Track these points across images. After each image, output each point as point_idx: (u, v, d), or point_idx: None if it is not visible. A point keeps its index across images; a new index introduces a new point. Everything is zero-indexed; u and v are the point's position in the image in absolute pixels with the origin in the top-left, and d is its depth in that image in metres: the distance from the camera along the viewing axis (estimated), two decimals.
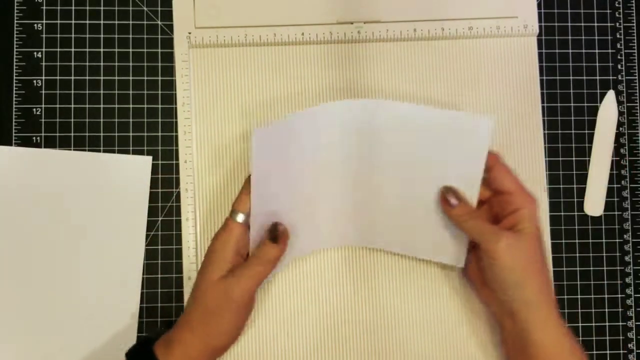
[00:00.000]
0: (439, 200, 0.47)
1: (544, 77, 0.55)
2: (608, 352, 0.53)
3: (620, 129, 0.55)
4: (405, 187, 0.48)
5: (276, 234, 0.46)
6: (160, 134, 0.53)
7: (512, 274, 0.45)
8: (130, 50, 0.53)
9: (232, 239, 0.45)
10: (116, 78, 0.53)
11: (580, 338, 0.53)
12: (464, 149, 0.45)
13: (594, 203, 0.54)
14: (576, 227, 0.54)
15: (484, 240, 0.45)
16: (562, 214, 0.54)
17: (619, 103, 0.55)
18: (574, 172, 0.55)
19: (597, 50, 0.56)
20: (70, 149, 0.52)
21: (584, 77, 0.55)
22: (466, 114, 0.48)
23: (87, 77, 0.53)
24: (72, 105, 0.52)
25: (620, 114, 0.55)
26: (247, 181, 0.45)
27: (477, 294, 0.51)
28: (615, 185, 0.55)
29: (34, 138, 0.52)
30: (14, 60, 0.52)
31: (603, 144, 0.55)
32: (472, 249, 0.49)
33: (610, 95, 0.55)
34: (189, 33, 0.53)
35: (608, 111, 0.55)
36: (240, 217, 0.45)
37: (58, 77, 0.52)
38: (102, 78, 0.53)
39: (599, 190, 0.54)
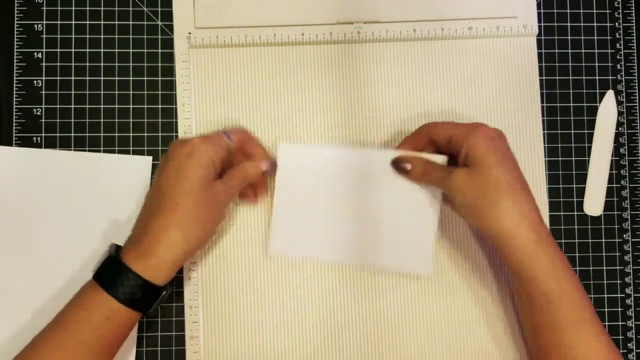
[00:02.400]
0: (398, 172, 0.48)
1: (544, 77, 0.55)
2: None
3: (620, 128, 0.55)
4: (388, 213, 0.50)
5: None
6: (160, 134, 0.53)
7: (474, 208, 0.44)
8: (131, 50, 0.53)
9: (220, 147, 0.46)
10: (116, 78, 0.53)
11: None
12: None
13: (594, 203, 0.54)
14: (576, 226, 0.54)
15: (443, 185, 0.46)
16: (562, 213, 0.54)
17: (618, 103, 0.55)
18: (574, 172, 0.55)
19: (596, 50, 0.56)
20: (71, 149, 0.52)
21: (584, 77, 0.55)
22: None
23: (88, 78, 0.53)
24: (73, 106, 0.52)
25: (620, 113, 0.55)
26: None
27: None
28: (614, 185, 0.55)
29: (35, 138, 0.52)
30: (15, 60, 0.52)
31: (603, 143, 0.55)
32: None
33: (610, 95, 0.55)
34: (189, 33, 0.53)
35: (608, 111, 0.55)
36: (229, 142, 0.47)
37: (58, 78, 0.53)
38: (102, 78, 0.53)
39: (599, 190, 0.54)
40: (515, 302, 0.50)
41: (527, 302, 0.44)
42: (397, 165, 0.48)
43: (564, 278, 0.43)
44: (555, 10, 0.56)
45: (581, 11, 0.56)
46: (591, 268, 0.54)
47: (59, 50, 0.53)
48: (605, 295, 0.54)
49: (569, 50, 0.55)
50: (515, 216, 0.43)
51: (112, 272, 0.43)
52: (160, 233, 0.43)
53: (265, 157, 0.49)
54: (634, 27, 0.56)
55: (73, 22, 0.53)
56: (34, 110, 0.52)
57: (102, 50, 0.53)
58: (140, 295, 0.43)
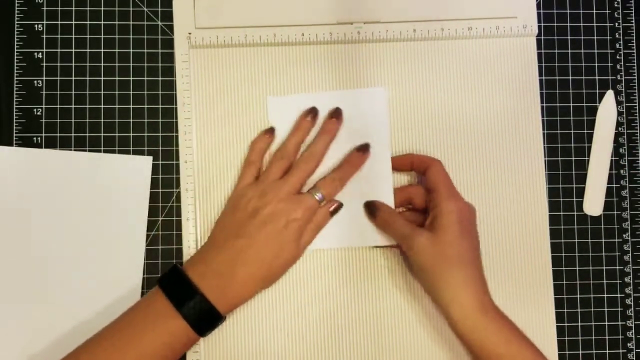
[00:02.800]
0: (366, 213, 0.51)
1: (543, 77, 0.55)
2: (607, 351, 0.54)
3: (620, 128, 0.55)
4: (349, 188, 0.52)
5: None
6: (160, 134, 0.53)
7: (429, 274, 0.45)
8: (131, 50, 0.53)
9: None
10: (116, 78, 0.53)
11: (580, 337, 0.53)
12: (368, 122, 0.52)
13: (593, 203, 0.54)
14: (575, 226, 0.54)
15: (405, 243, 0.47)
16: (562, 213, 0.54)
17: (618, 103, 0.55)
18: (573, 172, 0.55)
19: (596, 50, 0.56)
20: (71, 150, 0.52)
21: (583, 77, 0.55)
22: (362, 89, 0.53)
23: (88, 78, 0.53)
24: (73, 106, 0.52)
25: (619, 113, 0.55)
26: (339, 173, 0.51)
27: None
28: (614, 185, 0.55)
29: (35, 138, 0.52)
30: (15, 60, 0.52)
31: (602, 144, 0.55)
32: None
33: (610, 95, 0.55)
34: (189, 33, 0.53)
35: (607, 111, 0.55)
36: (329, 206, 0.50)
37: (59, 78, 0.53)
38: (102, 78, 0.53)
39: (598, 190, 0.55)
40: None
41: None
42: (367, 207, 0.51)
43: (513, 342, 0.43)
44: (555, 11, 0.56)
45: (581, 11, 0.56)
46: (591, 268, 0.54)
47: (59, 50, 0.53)
48: (605, 295, 0.54)
49: (569, 51, 0.56)
50: (463, 286, 0.44)
51: (184, 292, 0.45)
52: (243, 283, 0.46)
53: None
54: (634, 27, 0.56)
55: (73, 22, 0.53)
56: (34, 110, 0.52)
57: (102, 50, 0.53)
58: (206, 320, 0.45)
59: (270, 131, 0.52)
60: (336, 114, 0.51)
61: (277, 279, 0.49)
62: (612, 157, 0.55)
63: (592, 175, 0.55)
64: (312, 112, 0.52)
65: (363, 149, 0.51)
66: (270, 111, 0.53)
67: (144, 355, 0.44)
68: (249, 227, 0.47)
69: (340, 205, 0.51)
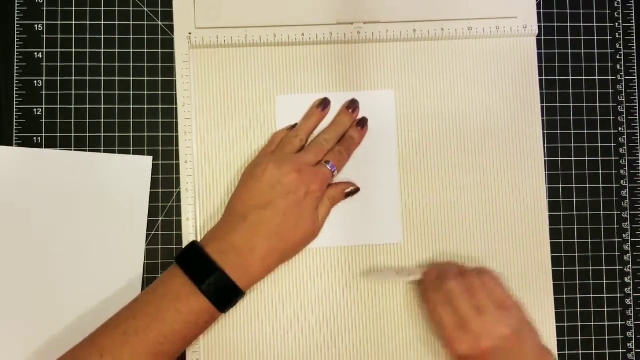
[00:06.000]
0: None
1: (543, 77, 0.55)
2: (607, 351, 0.54)
3: (620, 128, 0.55)
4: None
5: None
6: (160, 134, 0.53)
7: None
8: (131, 50, 0.53)
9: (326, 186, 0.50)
10: (117, 78, 0.53)
11: (580, 337, 0.53)
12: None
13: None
14: (575, 226, 0.54)
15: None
16: (562, 213, 0.54)
17: (618, 103, 0.55)
18: (574, 172, 0.55)
19: (596, 51, 0.56)
20: (71, 149, 0.52)
21: (583, 77, 0.55)
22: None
23: (88, 78, 0.53)
24: (73, 106, 0.52)
25: (619, 114, 0.55)
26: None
27: None
28: (614, 185, 0.55)
29: (35, 138, 0.52)
30: (15, 60, 0.52)
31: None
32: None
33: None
34: (190, 33, 0.53)
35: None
36: (334, 170, 0.50)
37: (59, 78, 0.53)
38: (102, 78, 0.53)
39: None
40: None
41: None
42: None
43: None
44: (555, 11, 0.56)
45: (581, 11, 0.56)
46: (591, 268, 0.54)
47: (59, 50, 0.53)
48: (605, 295, 0.54)
49: (569, 51, 0.56)
50: None
51: (204, 269, 0.45)
52: (263, 257, 0.46)
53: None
54: (634, 28, 0.56)
55: (73, 22, 0.53)
56: (34, 110, 0.52)
57: (102, 50, 0.53)
58: (226, 296, 0.45)
59: (293, 126, 0.53)
60: (353, 106, 0.52)
61: (295, 253, 0.49)
62: (612, 157, 0.55)
63: None
64: (324, 103, 0.52)
65: (362, 123, 0.52)
66: (278, 109, 0.53)
67: (166, 334, 0.43)
68: (269, 196, 0.47)
69: (356, 190, 0.51)
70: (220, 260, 0.45)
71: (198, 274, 0.45)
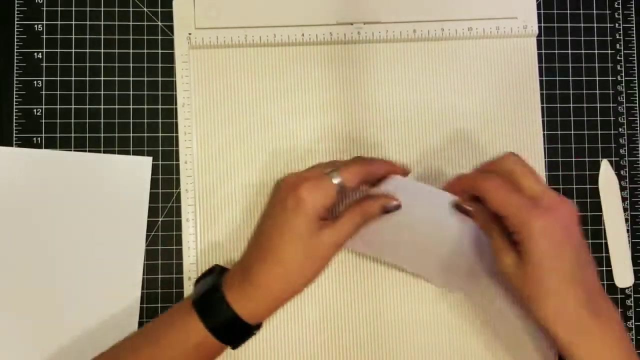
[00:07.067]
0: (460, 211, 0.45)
1: (544, 78, 0.55)
2: None
3: (620, 129, 0.55)
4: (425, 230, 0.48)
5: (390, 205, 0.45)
6: (160, 134, 0.53)
7: (520, 294, 0.42)
8: (131, 51, 0.53)
9: (330, 195, 0.43)
10: (116, 79, 0.53)
11: None
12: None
13: (623, 274, 0.54)
14: None
15: (495, 256, 0.43)
16: None
17: (618, 104, 0.55)
18: (574, 173, 0.55)
19: (596, 51, 0.56)
20: (71, 150, 0.52)
21: (584, 78, 0.55)
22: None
23: (88, 78, 0.53)
24: (73, 106, 0.52)
25: (620, 114, 0.55)
26: (360, 160, 0.46)
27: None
28: None
29: (35, 139, 0.52)
30: (15, 61, 0.52)
31: (613, 214, 0.54)
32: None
33: (606, 165, 0.54)
34: (189, 34, 0.53)
35: (608, 182, 0.54)
36: (337, 179, 0.44)
37: (58, 78, 0.53)
38: (102, 79, 0.53)
39: (624, 261, 0.54)
40: None
41: None
42: (460, 207, 0.45)
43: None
44: (555, 11, 0.56)
45: (581, 12, 0.56)
46: None
47: (59, 50, 0.53)
48: None
49: (569, 51, 0.56)
50: (561, 316, 0.41)
51: (212, 304, 0.44)
52: (264, 285, 0.44)
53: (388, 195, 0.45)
54: (634, 28, 0.56)
55: (73, 22, 0.53)
56: (34, 110, 0.52)
57: (102, 50, 0.53)
58: (233, 331, 0.45)
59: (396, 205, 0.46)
60: (391, 207, 0.45)
61: (305, 280, 0.45)
62: (612, 157, 0.55)
63: (614, 250, 0.54)
64: (395, 206, 0.45)
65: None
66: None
67: None
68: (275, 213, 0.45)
69: (398, 206, 0.45)
70: (232, 299, 0.44)
71: (212, 317, 0.44)
